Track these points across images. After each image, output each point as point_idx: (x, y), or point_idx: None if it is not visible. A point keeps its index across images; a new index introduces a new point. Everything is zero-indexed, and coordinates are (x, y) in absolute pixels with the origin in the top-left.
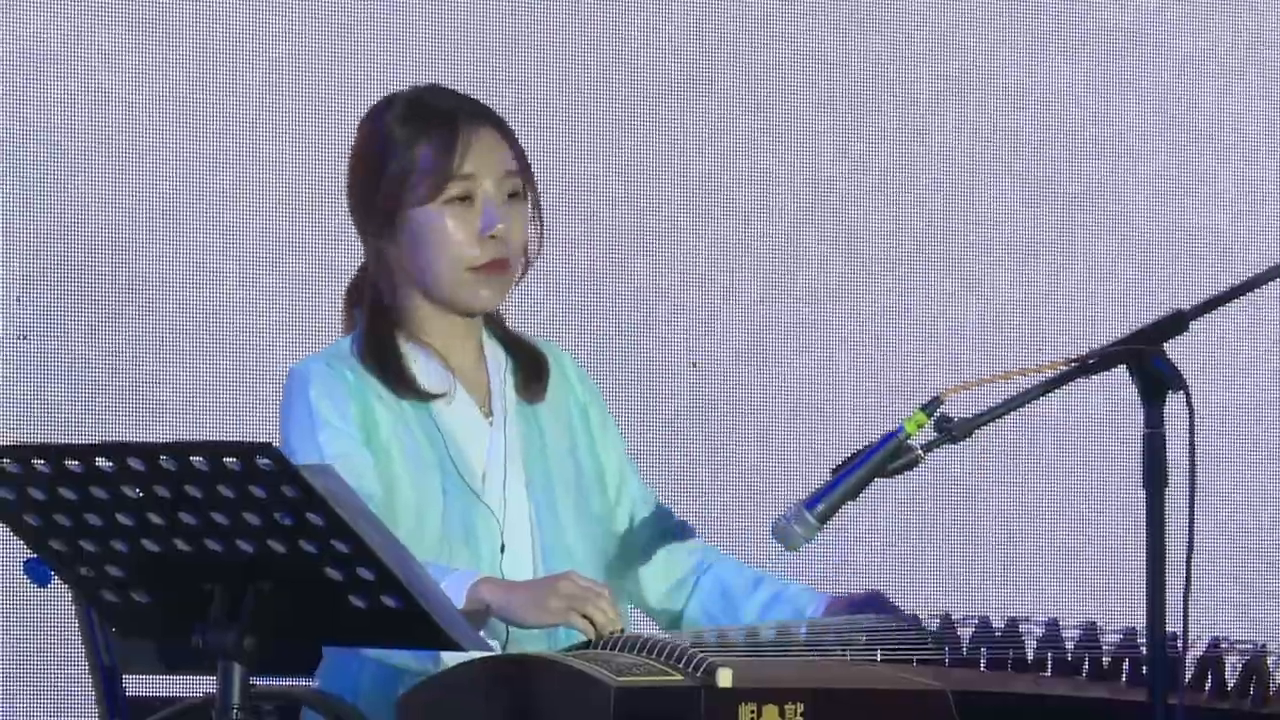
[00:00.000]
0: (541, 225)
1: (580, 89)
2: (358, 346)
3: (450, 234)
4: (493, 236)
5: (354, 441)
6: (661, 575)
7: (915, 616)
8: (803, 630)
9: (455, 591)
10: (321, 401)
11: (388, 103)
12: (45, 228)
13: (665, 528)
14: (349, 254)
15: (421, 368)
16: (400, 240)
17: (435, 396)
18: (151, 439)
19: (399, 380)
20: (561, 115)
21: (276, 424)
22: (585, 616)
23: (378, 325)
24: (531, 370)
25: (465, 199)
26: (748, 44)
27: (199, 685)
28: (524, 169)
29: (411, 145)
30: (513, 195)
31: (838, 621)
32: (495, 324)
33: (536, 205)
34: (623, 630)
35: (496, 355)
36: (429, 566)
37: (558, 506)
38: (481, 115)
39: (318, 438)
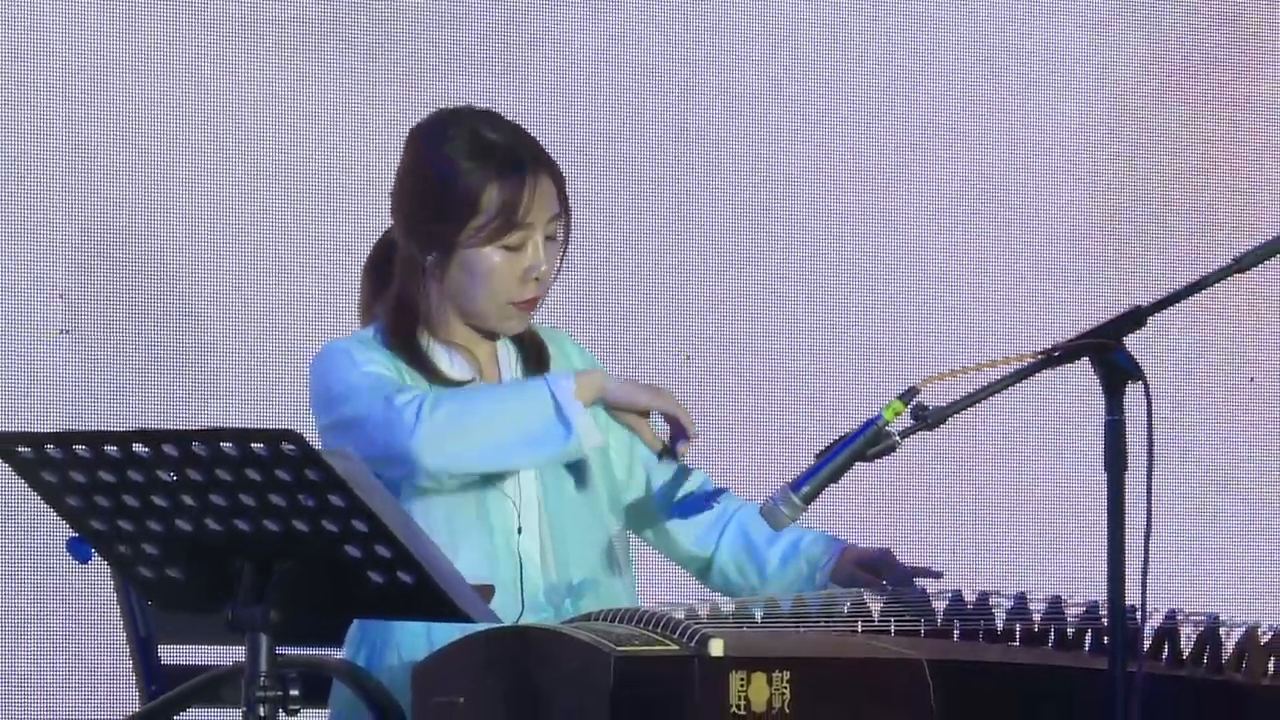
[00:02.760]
0: (565, 252)
1: (576, 83)
2: (383, 339)
3: (499, 273)
4: (536, 278)
5: (394, 374)
6: (687, 524)
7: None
8: (787, 604)
9: (566, 392)
10: (362, 356)
11: (447, 126)
12: (86, 227)
13: (682, 481)
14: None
15: (445, 361)
16: (449, 269)
17: (462, 382)
18: (185, 426)
19: (425, 367)
20: (558, 109)
21: (302, 413)
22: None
23: (402, 325)
24: (535, 358)
25: (518, 248)
26: (746, 42)
27: (229, 655)
28: (565, 211)
29: (482, 187)
30: (550, 238)
31: (819, 596)
32: None
33: (566, 239)
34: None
35: (507, 347)
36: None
37: (563, 488)
38: (545, 163)
39: (361, 370)
